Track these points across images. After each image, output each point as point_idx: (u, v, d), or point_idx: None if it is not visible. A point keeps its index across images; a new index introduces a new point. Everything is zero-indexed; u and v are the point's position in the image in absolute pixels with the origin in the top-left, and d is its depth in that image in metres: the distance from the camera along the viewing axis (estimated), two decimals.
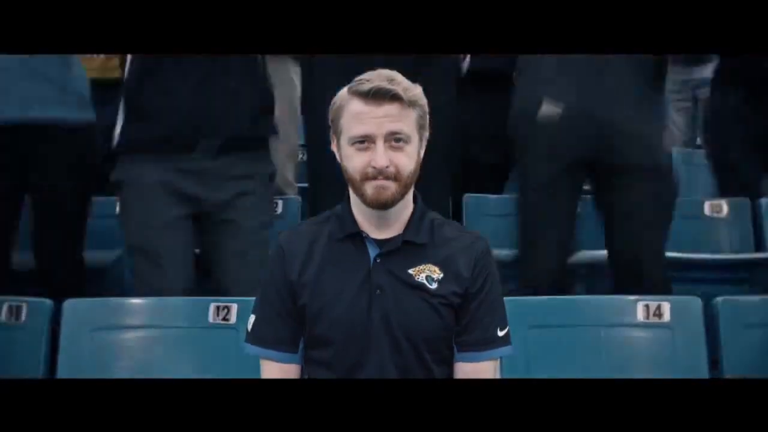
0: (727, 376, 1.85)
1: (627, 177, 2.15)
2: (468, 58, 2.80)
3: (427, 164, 1.50)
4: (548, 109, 2.15)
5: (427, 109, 1.47)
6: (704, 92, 3.50)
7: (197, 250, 2.11)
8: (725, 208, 2.80)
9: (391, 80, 1.42)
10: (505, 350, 1.50)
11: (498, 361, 1.51)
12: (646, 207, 2.16)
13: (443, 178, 2.26)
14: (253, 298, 1.55)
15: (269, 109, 2.18)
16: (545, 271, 2.20)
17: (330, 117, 1.48)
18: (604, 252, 2.29)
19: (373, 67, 1.45)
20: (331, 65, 1.52)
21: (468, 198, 2.81)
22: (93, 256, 2.43)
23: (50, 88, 2.17)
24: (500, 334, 1.49)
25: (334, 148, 1.50)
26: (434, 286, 1.46)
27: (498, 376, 1.54)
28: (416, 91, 1.45)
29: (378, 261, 1.46)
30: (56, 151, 2.19)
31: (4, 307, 1.87)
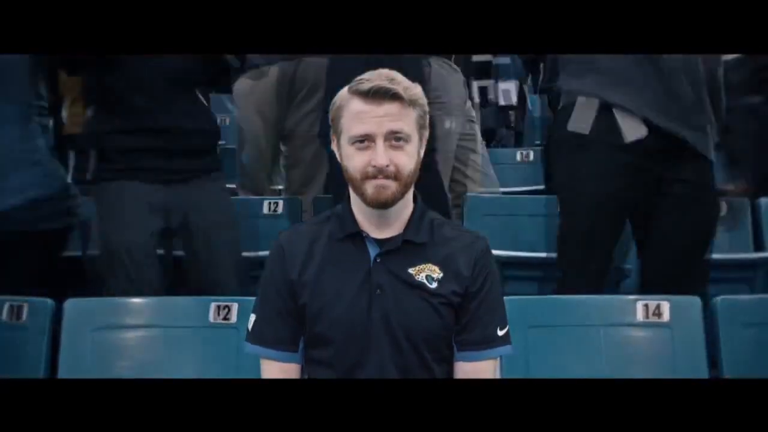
0: (727, 375, 1.85)
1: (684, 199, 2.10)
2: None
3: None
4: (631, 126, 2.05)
5: (427, 108, 1.48)
6: None
7: None
8: (724, 209, 2.80)
9: (391, 80, 1.42)
10: (504, 349, 1.50)
11: (498, 361, 1.51)
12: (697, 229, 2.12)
13: None
14: (254, 298, 1.55)
15: None
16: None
17: (330, 117, 1.48)
18: None
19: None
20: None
21: (468, 198, 2.81)
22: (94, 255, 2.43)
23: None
24: (500, 333, 1.49)
25: (334, 147, 1.51)
26: (434, 285, 1.46)
27: (498, 376, 1.54)
28: (416, 90, 1.45)
29: (378, 260, 1.46)
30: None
31: (6, 307, 1.87)
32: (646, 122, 2.05)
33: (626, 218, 2.16)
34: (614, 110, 2.06)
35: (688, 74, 2.04)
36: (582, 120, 2.09)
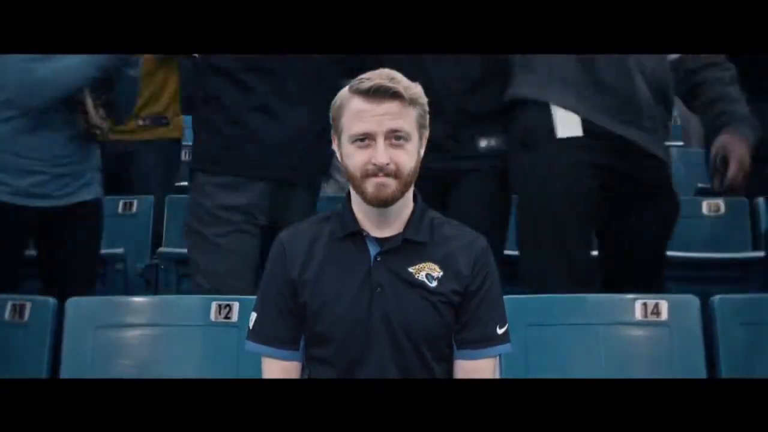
0: (724, 374, 1.85)
1: (639, 200, 2.09)
2: None
3: None
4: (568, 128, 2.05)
5: (427, 108, 1.49)
6: None
7: None
8: (723, 208, 2.81)
9: (391, 79, 1.43)
10: (504, 348, 1.51)
11: (497, 359, 1.52)
12: (654, 229, 2.13)
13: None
14: (255, 297, 1.56)
15: None
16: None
17: (331, 116, 1.49)
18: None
19: None
20: None
21: None
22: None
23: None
24: (499, 332, 1.50)
25: (335, 146, 1.51)
26: (434, 284, 1.47)
27: (497, 374, 1.55)
28: (417, 89, 1.46)
29: (378, 259, 1.47)
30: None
31: (8, 306, 1.88)
32: (588, 123, 2.04)
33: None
34: (551, 107, 2.05)
35: (642, 75, 2.04)
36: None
